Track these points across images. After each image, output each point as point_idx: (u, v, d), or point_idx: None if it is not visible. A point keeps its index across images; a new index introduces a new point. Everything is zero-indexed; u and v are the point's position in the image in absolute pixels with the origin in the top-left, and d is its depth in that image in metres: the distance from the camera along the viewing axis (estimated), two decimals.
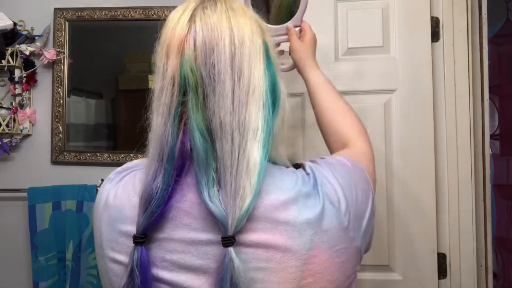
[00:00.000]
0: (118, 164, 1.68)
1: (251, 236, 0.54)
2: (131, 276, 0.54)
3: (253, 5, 0.98)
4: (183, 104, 0.56)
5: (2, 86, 1.78)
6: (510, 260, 2.27)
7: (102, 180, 1.70)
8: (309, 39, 1.02)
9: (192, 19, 0.58)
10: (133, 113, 1.74)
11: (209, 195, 0.53)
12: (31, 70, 1.71)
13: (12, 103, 1.74)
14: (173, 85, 0.56)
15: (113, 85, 1.76)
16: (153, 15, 1.70)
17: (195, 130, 0.55)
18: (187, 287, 0.55)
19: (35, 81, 1.74)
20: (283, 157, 0.63)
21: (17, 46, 1.69)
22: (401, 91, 1.31)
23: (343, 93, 1.35)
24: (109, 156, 1.71)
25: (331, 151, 0.84)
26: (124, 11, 1.71)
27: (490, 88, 1.36)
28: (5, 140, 1.70)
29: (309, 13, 1.37)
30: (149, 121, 0.62)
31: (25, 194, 1.67)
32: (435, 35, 1.33)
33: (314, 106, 0.91)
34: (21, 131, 1.72)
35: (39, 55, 1.71)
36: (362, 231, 0.59)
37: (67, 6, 1.75)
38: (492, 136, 2.26)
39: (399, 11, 1.33)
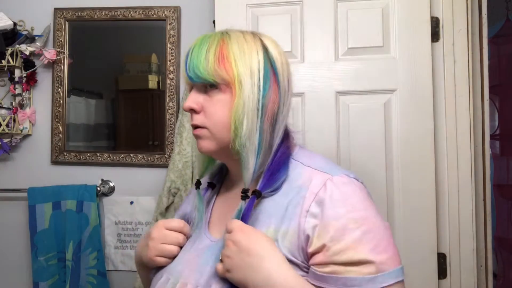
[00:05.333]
0: (118, 164, 1.71)
1: None
2: None
3: None
4: None
5: (2, 86, 1.78)
6: (510, 260, 2.27)
7: (102, 180, 1.71)
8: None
9: None
10: (133, 113, 1.74)
11: None
12: (31, 70, 1.71)
13: (12, 103, 1.74)
14: None
15: (113, 85, 1.76)
16: (153, 15, 1.70)
17: None
18: None
19: (35, 81, 1.74)
20: None
21: (17, 46, 1.69)
22: (401, 91, 1.31)
23: (343, 93, 1.37)
24: (109, 156, 1.71)
25: None
26: (124, 11, 1.71)
27: (490, 88, 1.36)
28: (5, 140, 1.70)
29: (309, 13, 1.38)
30: None
31: (25, 194, 1.67)
32: (435, 35, 1.33)
33: None
34: (21, 131, 1.72)
35: (39, 55, 1.72)
36: None
37: (67, 6, 1.75)
38: (492, 136, 2.26)
39: (399, 11, 1.33)
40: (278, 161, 0.73)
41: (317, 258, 0.63)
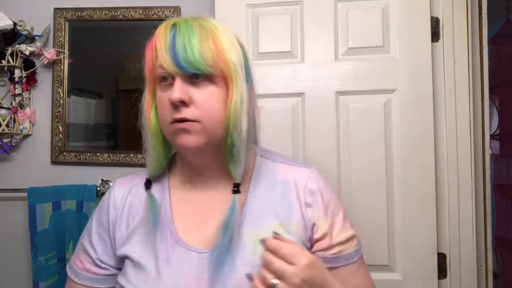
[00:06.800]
0: (118, 164, 1.70)
1: None
2: None
3: None
4: None
5: (2, 86, 1.78)
6: (510, 260, 2.27)
7: (102, 180, 1.71)
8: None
9: None
10: (133, 113, 1.73)
11: None
12: (31, 70, 1.71)
13: (12, 103, 1.74)
14: None
15: (113, 85, 1.76)
16: (153, 15, 1.70)
17: None
18: None
19: (35, 81, 1.74)
20: None
21: (17, 46, 1.69)
22: (401, 91, 1.31)
23: (343, 93, 1.37)
24: (109, 156, 1.71)
25: None
26: (124, 11, 1.71)
27: (490, 88, 1.36)
28: (5, 140, 1.70)
29: (309, 13, 1.38)
30: None
31: (25, 194, 1.67)
32: (435, 35, 1.33)
33: None
34: (21, 131, 1.72)
35: (39, 55, 1.71)
36: None
37: (67, 6, 1.75)
38: (492, 136, 2.26)
39: (399, 11, 1.33)
40: (249, 157, 0.75)
41: (323, 244, 0.71)
